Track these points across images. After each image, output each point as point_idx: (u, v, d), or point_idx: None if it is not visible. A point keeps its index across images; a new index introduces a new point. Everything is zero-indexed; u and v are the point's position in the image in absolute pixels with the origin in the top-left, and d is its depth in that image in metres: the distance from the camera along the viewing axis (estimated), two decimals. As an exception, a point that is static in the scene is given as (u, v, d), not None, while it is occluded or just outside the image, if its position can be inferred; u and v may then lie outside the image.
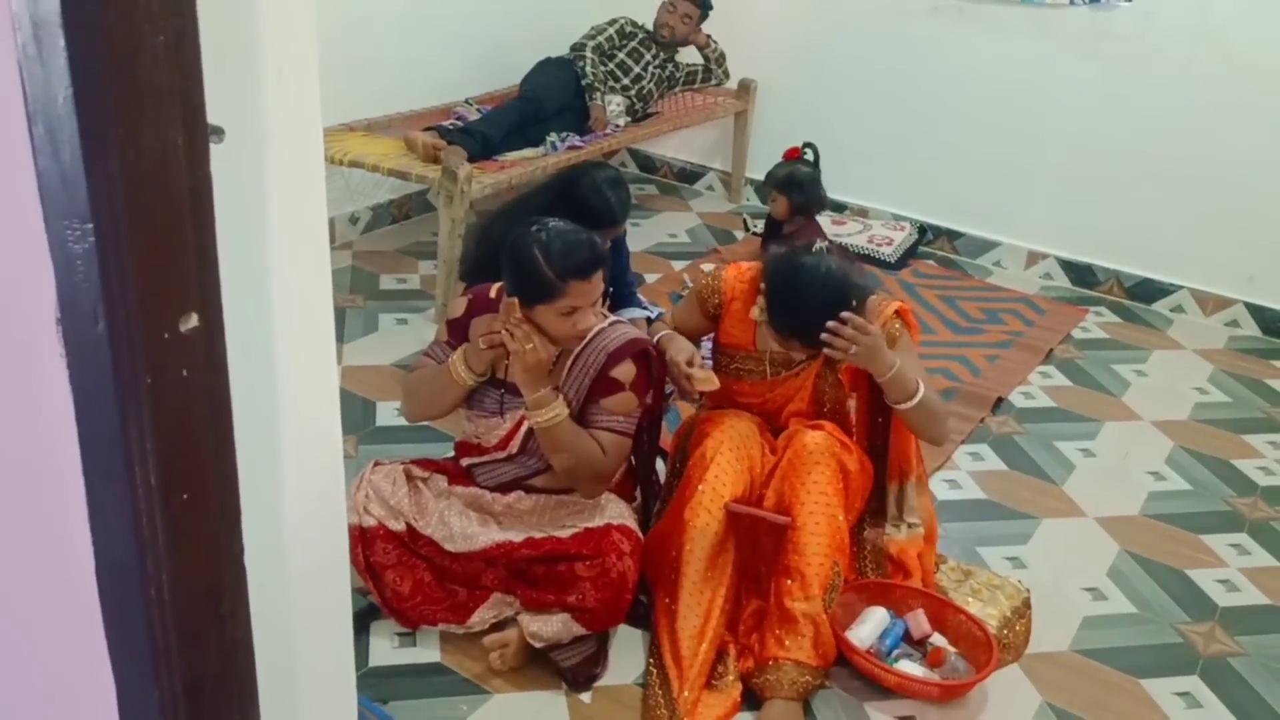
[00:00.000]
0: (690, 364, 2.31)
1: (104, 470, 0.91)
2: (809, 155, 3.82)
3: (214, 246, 0.89)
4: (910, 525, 2.44)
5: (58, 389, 0.90)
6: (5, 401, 1.00)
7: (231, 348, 0.96)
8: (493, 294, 2.24)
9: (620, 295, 3.26)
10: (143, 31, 0.77)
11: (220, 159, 0.90)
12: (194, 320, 0.89)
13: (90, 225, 0.80)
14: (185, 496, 0.93)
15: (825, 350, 2.16)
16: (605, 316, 2.24)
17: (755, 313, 2.33)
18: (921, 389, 2.19)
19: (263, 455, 1.17)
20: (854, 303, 2.17)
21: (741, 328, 2.38)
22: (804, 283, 2.18)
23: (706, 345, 3.29)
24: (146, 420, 0.88)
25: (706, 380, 2.30)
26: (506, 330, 2.05)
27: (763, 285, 2.28)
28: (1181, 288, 4.15)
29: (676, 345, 2.37)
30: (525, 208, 3.02)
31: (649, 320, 3.28)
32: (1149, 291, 4.21)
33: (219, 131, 0.92)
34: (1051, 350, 3.76)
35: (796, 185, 3.65)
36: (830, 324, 2.13)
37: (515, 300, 2.06)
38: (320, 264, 1.18)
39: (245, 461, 1.01)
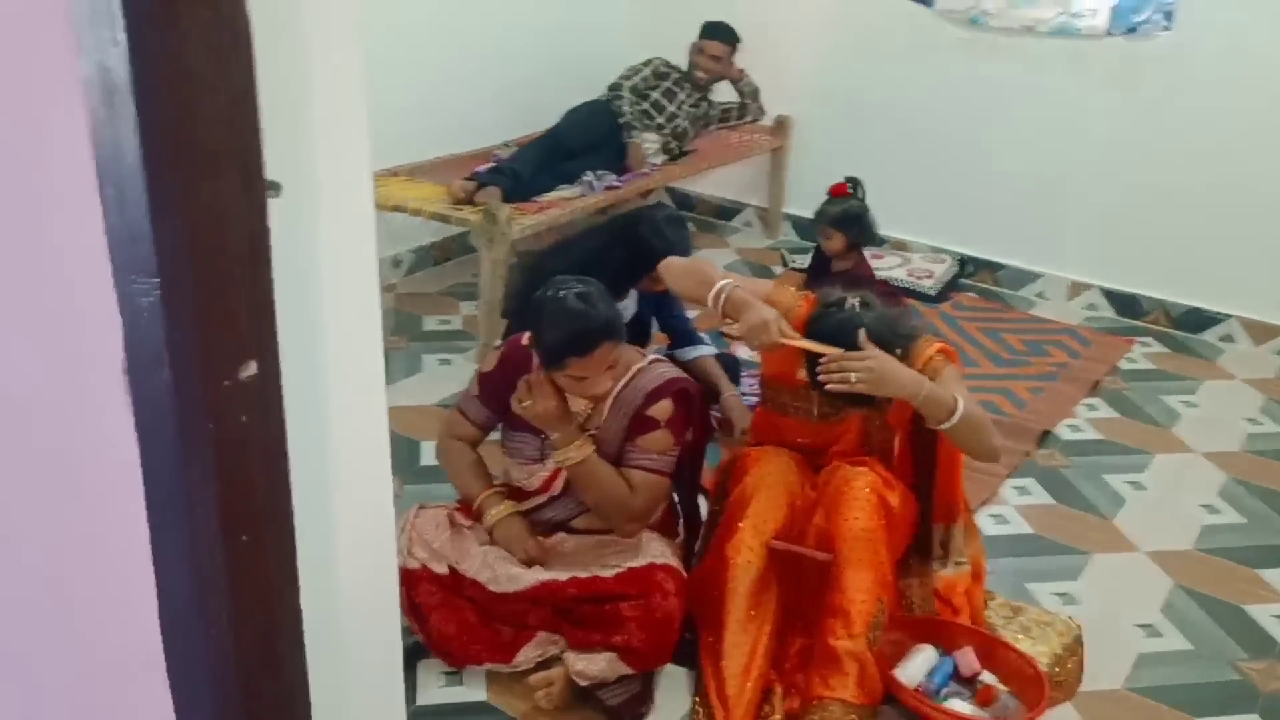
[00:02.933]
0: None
1: (167, 513, 0.94)
2: (855, 190, 3.80)
3: (271, 297, 0.93)
4: (957, 563, 2.42)
5: (124, 435, 0.94)
6: (74, 447, 1.04)
7: (287, 394, 0.99)
8: (525, 341, 2.27)
9: (681, 332, 3.29)
10: (205, 94, 0.81)
11: (276, 212, 0.94)
12: (252, 368, 0.92)
13: (156, 280, 0.84)
14: (244, 539, 0.96)
15: (828, 386, 2.09)
16: (644, 356, 2.26)
17: (801, 373, 2.27)
18: (961, 404, 2.10)
19: (316, 498, 1.20)
20: (898, 352, 2.15)
21: (793, 362, 2.32)
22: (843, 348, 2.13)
23: (749, 382, 3.31)
24: (208, 465, 0.91)
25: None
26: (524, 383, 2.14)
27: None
28: (1230, 316, 4.09)
29: (755, 309, 2.17)
30: (579, 248, 3.04)
31: (718, 356, 3.30)
32: (1197, 321, 4.16)
33: (275, 186, 0.96)
34: (1098, 382, 3.72)
35: (853, 221, 3.61)
36: (819, 367, 2.10)
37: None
38: (370, 311, 1.22)
39: (299, 504, 1.04)
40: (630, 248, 2.91)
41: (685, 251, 3.05)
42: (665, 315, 3.25)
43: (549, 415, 2.14)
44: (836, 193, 3.71)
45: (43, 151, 0.91)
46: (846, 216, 3.63)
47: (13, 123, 0.93)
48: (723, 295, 2.22)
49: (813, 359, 2.18)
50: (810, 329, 2.22)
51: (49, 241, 0.95)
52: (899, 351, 2.16)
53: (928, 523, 2.42)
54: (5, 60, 0.90)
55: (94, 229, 0.86)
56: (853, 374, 2.06)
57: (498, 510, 2.27)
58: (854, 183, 3.73)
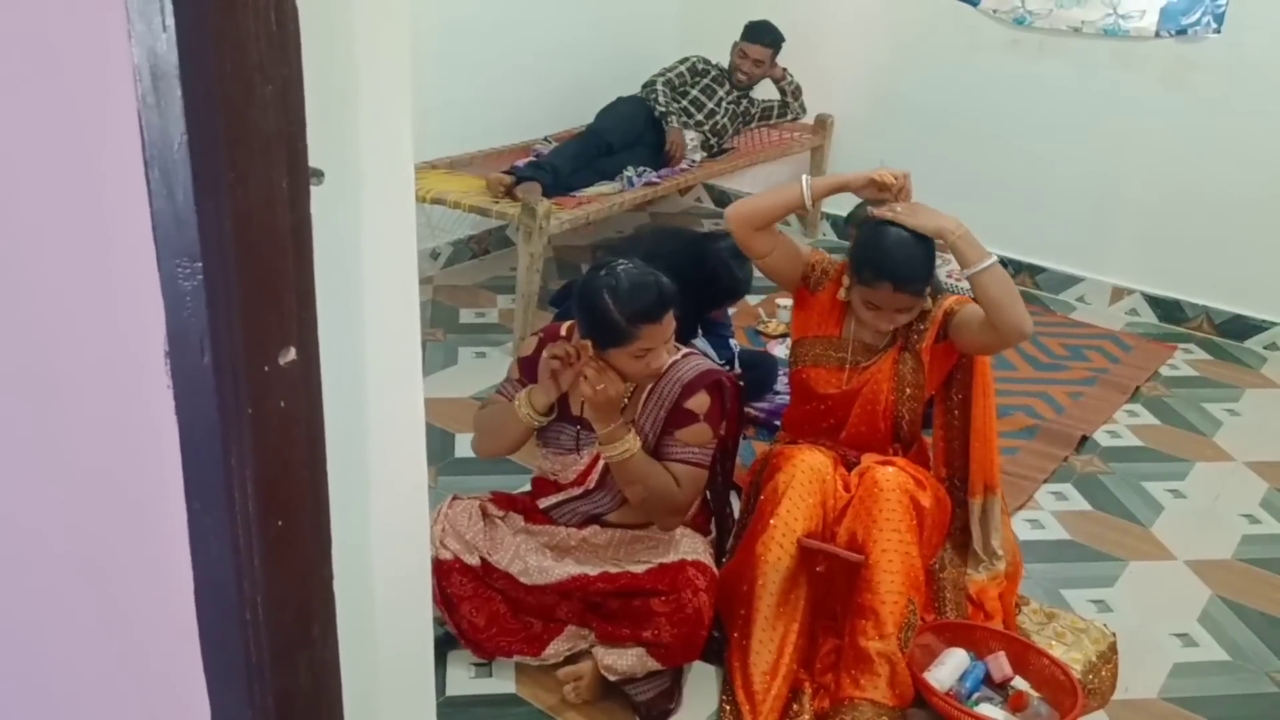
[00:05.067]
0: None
1: (206, 496, 0.95)
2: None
3: (312, 283, 0.94)
4: (996, 559, 2.40)
5: (164, 418, 0.95)
6: (115, 429, 1.05)
7: (325, 380, 1.00)
8: (563, 332, 2.27)
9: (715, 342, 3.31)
10: (253, 81, 0.82)
11: (318, 199, 0.95)
12: (292, 353, 0.93)
13: (199, 264, 0.85)
14: (280, 523, 0.97)
15: (876, 205, 2.34)
16: (678, 349, 2.25)
17: (842, 292, 2.39)
18: (995, 257, 2.26)
19: (352, 485, 1.20)
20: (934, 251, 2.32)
21: (830, 314, 2.43)
22: (889, 229, 2.30)
23: (781, 349, 3.33)
24: (247, 449, 0.91)
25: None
26: (580, 372, 2.08)
27: (848, 257, 2.38)
28: (1275, 324, 4.02)
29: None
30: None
31: (759, 352, 3.39)
32: (1241, 328, 4.09)
33: (319, 174, 0.97)
34: (1138, 388, 3.67)
35: None
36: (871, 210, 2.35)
37: (589, 342, 2.09)
38: (409, 300, 1.22)
39: (335, 489, 1.05)
40: (702, 280, 2.90)
41: (750, 283, 3.08)
42: (724, 332, 3.28)
43: (614, 403, 2.11)
44: None
45: (91, 135, 0.92)
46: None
47: (64, 107, 0.94)
48: (809, 184, 2.38)
49: (860, 254, 2.33)
50: (857, 233, 2.40)
51: (94, 224, 0.97)
52: (928, 289, 2.34)
53: (964, 510, 2.42)
54: (60, 44, 0.92)
55: (139, 212, 0.87)
56: (898, 205, 2.31)
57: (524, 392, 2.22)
58: None
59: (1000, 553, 2.42)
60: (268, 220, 0.86)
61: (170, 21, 0.77)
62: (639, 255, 2.91)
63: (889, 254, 2.28)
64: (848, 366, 2.42)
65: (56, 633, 1.26)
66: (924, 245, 2.30)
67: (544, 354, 2.18)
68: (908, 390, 2.39)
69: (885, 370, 2.39)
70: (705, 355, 3.20)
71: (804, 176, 2.38)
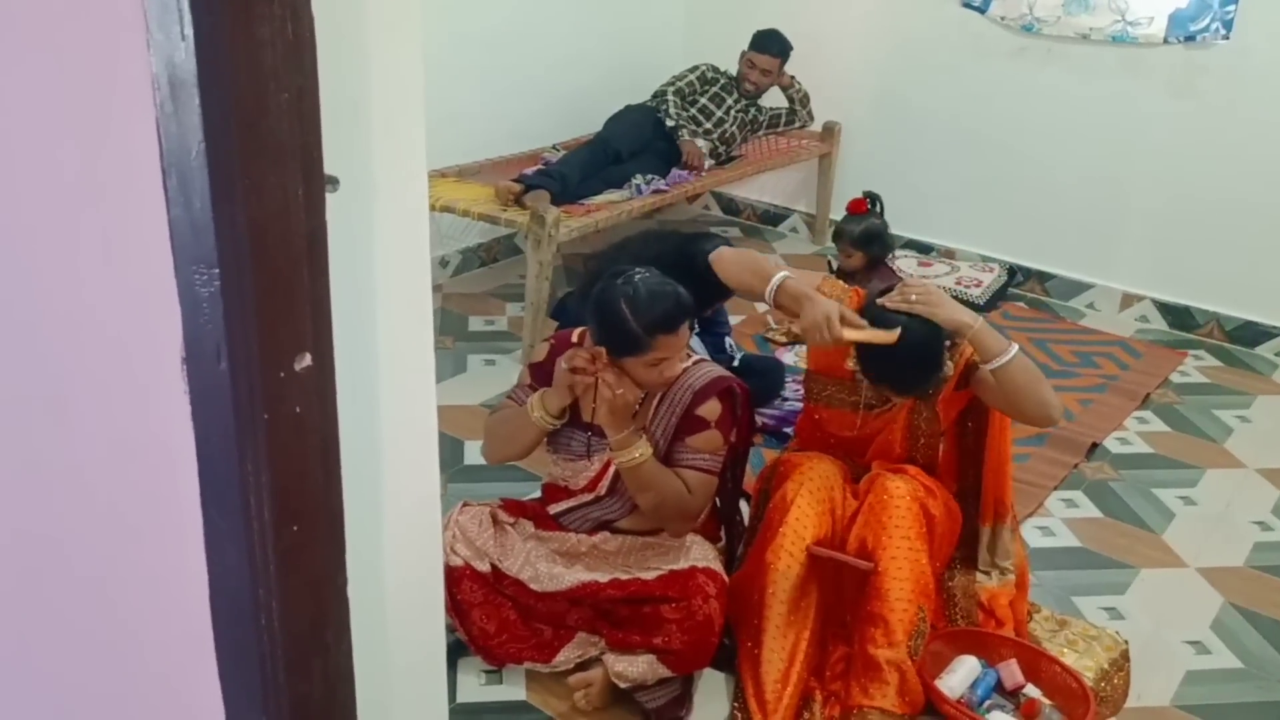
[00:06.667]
0: (843, 320, 2.17)
1: (221, 502, 0.95)
2: (874, 206, 3.66)
3: (327, 290, 0.94)
4: (1002, 571, 2.39)
5: (180, 424, 0.96)
6: (131, 435, 1.06)
7: (339, 386, 1.00)
8: (575, 338, 2.28)
9: (712, 342, 3.31)
10: (269, 90, 0.82)
11: (333, 207, 0.95)
12: (307, 359, 0.93)
13: (216, 270, 0.85)
14: (295, 529, 0.97)
15: (887, 304, 2.16)
16: (688, 356, 2.26)
17: (850, 363, 2.29)
18: (1016, 347, 2.13)
19: (365, 491, 1.21)
20: (946, 345, 2.17)
21: (841, 353, 2.33)
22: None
23: (794, 387, 3.30)
24: (262, 455, 0.92)
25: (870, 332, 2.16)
26: (599, 377, 2.08)
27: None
28: (1286, 330, 4.02)
29: (815, 303, 2.19)
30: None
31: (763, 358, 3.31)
32: (1251, 334, 4.07)
33: (334, 181, 0.97)
34: (1149, 395, 3.66)
35: (875, 239, 3.48)
36: (883, 301, 2.17)
37: (602, 350, 2.10)
38: (422, 307, 1.23)
39: (349, 496, 1.05)
40: (692, 278, 2.89)
41: None
42: (722, 332, 3.26)
43: (628, 409, 2.11)
44: (855, 209, 3.55)
45: (110, 143, 0.93)
46: (868, 235, 3.46)
47: (83, 116, 0.95)
48: (777, 289, 2.28)
49: (862, 346, 2.19)
50: (865, 317, 2.21)
51: (112, 231, 0.97)
52: (947, 343, 2.18)
53: (973, 525, 2.40)
54: (79, 54, 0.93)
55: (157, 220, 0.88)
56: (913, 294, 2.13)
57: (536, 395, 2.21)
58: (873, 198, 3.57)
59: (1009, 566, 2.41)
60: (283, 227, 0.87)
61: (189, 31, 0.78)
62: (626, 260, 2.93)
63: (893, 366, 2.17)
64: (860, 410, 2.36)
65: (70, 638, 1.27)
66: (933, 347, 2.15)
67: (560, 361, 2.18)
68: (922, 440, 2.34)
69: (899, 421, 2.33)
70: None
71: (780, 276, 2.29)
